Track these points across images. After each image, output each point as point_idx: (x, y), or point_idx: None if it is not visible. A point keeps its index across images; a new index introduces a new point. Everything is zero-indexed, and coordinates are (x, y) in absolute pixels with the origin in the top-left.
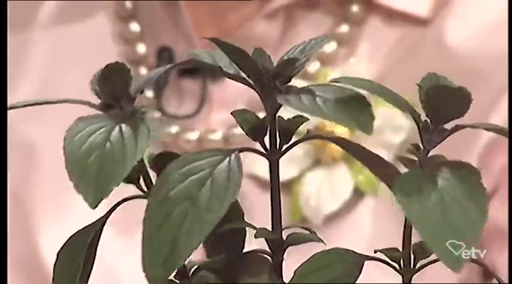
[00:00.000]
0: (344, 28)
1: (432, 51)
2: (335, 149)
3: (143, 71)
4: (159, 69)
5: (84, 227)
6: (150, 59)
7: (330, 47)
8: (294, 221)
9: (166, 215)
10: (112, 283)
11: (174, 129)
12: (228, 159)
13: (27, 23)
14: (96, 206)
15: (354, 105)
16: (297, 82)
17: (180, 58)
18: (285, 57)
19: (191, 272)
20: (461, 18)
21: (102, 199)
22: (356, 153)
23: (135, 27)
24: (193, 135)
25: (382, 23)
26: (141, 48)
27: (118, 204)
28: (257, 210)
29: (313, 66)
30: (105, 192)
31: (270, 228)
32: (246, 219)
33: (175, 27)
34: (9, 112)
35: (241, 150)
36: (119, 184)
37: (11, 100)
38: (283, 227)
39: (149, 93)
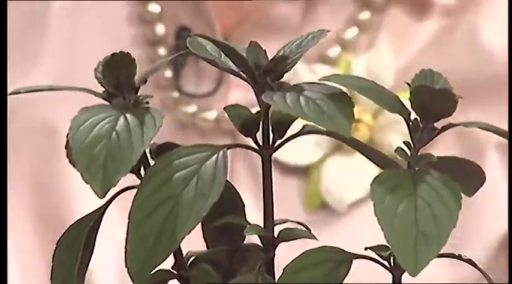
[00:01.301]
0: (365, 15)
1: (462, 44)
2: (359, 136)
3: (162, 51)
4: (161, 62)
5: (83, 217)
6: (169, 39)
7: (351, 32)
8: (312, 207)
9: (151, 211)
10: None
11: (192, 108)
12: (216, 156)
13: (43, 7)
14: (104, 195)
15: (336, 106)
16: (317, 67)
17: None
18: (281, 52)
19: (189, 263)
20: (493, 16)
21: (110, 189)
22: (355, 147)
23: (154, 7)
24: (211, 114)
25: (403, 11)
26: (161, 29)
27: (117, 194)
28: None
29: (334, 51)
30: (113, 181)
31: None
32: None
33: (195, 7)
34: (33, 95)
35: (231, 146)
36: (126, 173)
37: (30, 83)
38: (284, 220)
39: (168, 73)
